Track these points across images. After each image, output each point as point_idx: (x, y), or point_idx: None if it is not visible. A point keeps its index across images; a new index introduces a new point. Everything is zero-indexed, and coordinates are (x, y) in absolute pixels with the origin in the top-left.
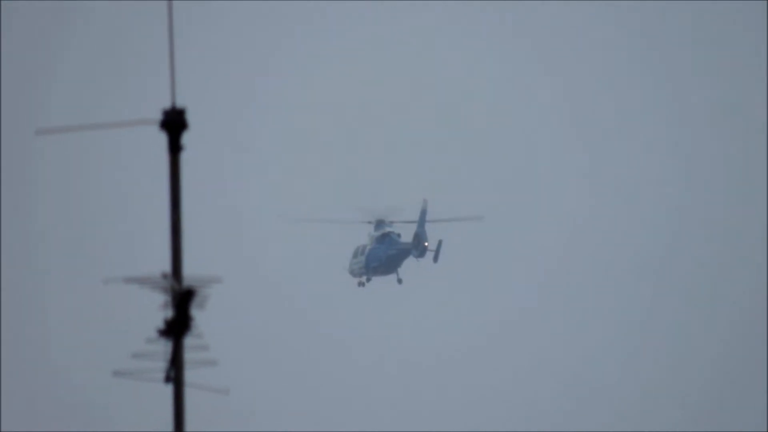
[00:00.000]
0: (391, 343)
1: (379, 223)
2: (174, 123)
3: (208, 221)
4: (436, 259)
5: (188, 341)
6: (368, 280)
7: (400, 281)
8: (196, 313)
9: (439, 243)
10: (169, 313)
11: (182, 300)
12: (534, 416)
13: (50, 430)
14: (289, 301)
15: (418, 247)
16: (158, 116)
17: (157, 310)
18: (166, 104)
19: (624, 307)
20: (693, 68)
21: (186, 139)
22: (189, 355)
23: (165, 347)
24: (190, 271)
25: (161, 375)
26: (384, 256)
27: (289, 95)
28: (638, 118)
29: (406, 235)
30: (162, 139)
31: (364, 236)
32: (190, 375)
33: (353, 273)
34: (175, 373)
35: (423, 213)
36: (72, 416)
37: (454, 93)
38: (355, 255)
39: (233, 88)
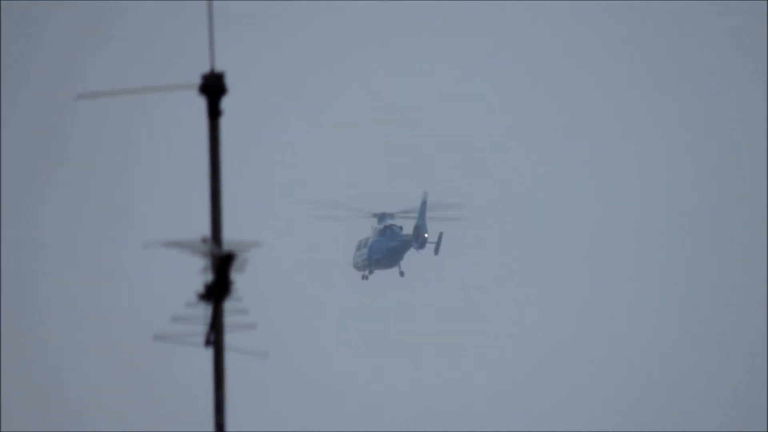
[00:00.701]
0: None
1: (382, 216)
2: (213, 87)
3: (247, 185)
4: (437, 251)
5: (228, 305)
6: (371, 272)
7: (402, 274)
8: (236, 277)
9: (440, 235)
10: (209, 277)
11: (222, 264)
12: (535, 412)
13: (93, 391)
14: (328, 264)
15: (418, 238)
16: (197, 81)
17: (197, 274)
18: (205, 68)
19: (626, 303)
20: (693, 68)
21: (225, 103)
22: (229, 319)
23: (205, 311)
24: (229, 235)
25: (201, 339)
26: (385, 248)
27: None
28: (637, 118)
29: (409, 229)
30: (201, 103)
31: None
32: (229, 339)
33: (356, 266)
34: (214, 336)
35: (423, 205)
36: (113, 380)
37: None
38: (358, 248)
39: (273, 52)
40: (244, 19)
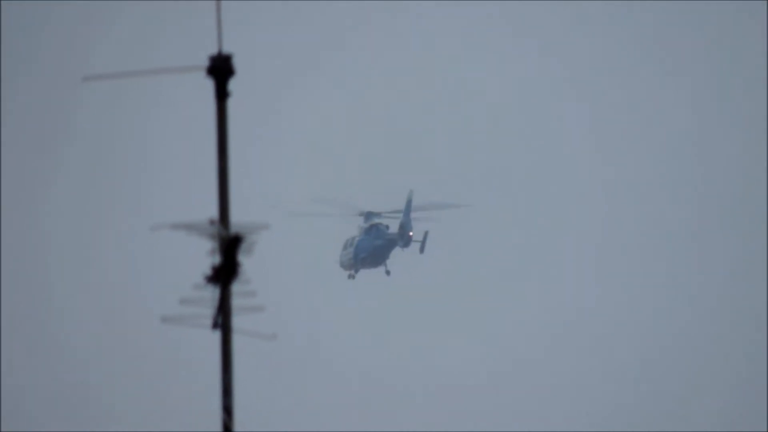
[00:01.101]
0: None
1: (368, 215)
2: (221, 69)
3: (255, 167)
4: (422, 249)
5: (235, 287)
6: (357, 271)
7: (388, 273)
8: (244, 259)
9: (425, 234)
10: (217, 260)
11: (229, 246)
12: (525, 411)
13: (101, 375)
14: (337, 246)
15: (403, 237)
16: (205, 62)
17: (205, 256)
18: (213, 50)
19: (619, 299)
20: (693, 68)
21: (233, 85)
22: (236, 302)
23: (212, 294)
24: (237, 217)
25: (209, 321)
26: (371, 246)
27: (338, 43)
28: (634, 118)
29: (395, 227)
30: (209, 85)
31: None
32: (237, 321)
33: (343, 265)
34: (222, 319)
35: (408, 203)
36: (121, 362)
37: (459, 89)
38: (345, 247)
39: (280, 34)
40: (252, 0)
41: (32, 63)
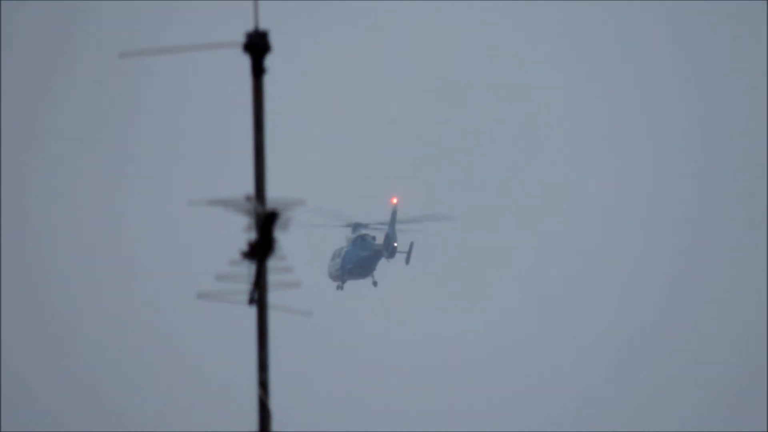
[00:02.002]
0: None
1: (356, 226)
2: (257, 46)
3: (292, 144)
4: (407, 260)
5: (271, 263)
6: (344, 282)
7: (375, 284)
8: (280, 235)
9: (411, 245)
10: (253, 236)
11: (266, 222)
12: (512, 416)
13: (137, 349)
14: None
15: (388, 247)
16: (241, 39)
17: (241, 232)
18: (250, 27)
19: (601, 307)
20: (692, 68)
21: (269, 61)
22: (272, 277)
23: (248, 269)
24: (273, 193)
25: (245, 297)
26: (358, 257)
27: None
28: (631, 118)
29: (382, 239)
30: (246, 61)
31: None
32: (273, 297)
33: (331, 276)
34: (258, 295)
35: (393, 214)
36: (158, 338)
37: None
38: (333, 258)
39: (316, 11)
40: None
41: (69, 40)
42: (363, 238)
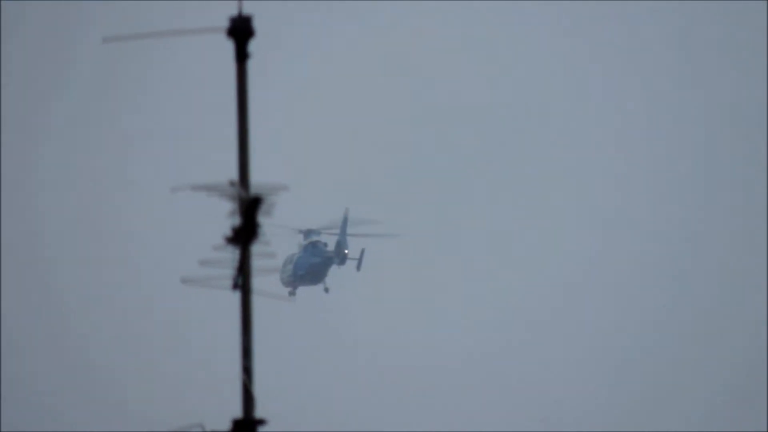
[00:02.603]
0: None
1: (309, 232)
2: (241, 30)
3: (275, 129)
4: (358, 267)
5: (255, 248)
6: (296, 288)
7: (326, 290)
8: (263, 220)
9: (362, 252)
10: (237, 221)
11: (249, 207)
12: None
13: (122, 334)
14: (356, 207)
15: (339, 254)
16: (225, 24)
17: (225, 217)
18: (233, 12)
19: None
20: (692, 68)
21: (253, 46)
22: (256, 263)
23: (232, 255)
24: (256, 179)
25: (229, 282)
26: (309, 264)
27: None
28: (627, 120)
29: (334, 245)
30: (229, 46)
31: None
32: (257, 282)
33: (283, 282)
34: (242, 280)
35: (344, 222)
36: (142, 322)
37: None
38: (285, 264)
39: None
40: None
41: (52, 26)
42: (315, 244)
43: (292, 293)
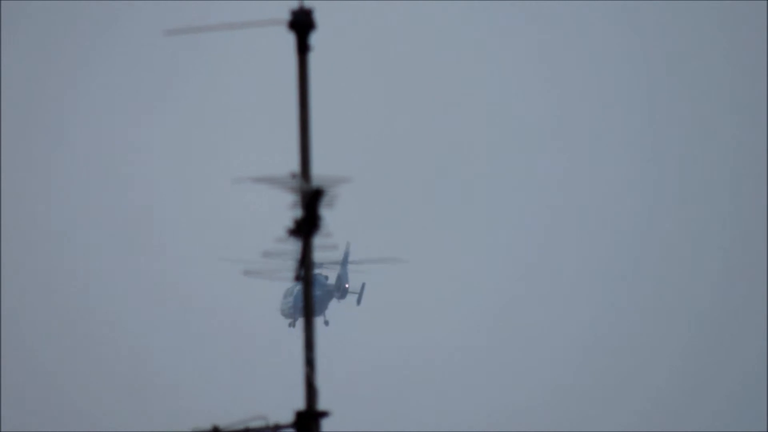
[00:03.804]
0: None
1: None
2: (302, 23)
3: (337, 121)
4: (359, 301)
5: (317, 240)
6: (296, 320)
7: (326, 323)
8: (325, 212)
9: (362, 286)
10: (298, 213)
11: (311, 200)
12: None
13: (185, 325)
14: (414, 198)
15: (339, 288)
16: (286, 16)
17: (287, 209)
18: (294, 4)
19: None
20: (692, 69)
21: (314, 39)
22: (318, 255)
23: (294, 247)
24: (318, 171)
25: (291, 274)
26: None
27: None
28: (625, 122)
29: (335, 279)
30: (290, 39)
31: None
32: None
33: (283, 313)
34: (304, 272)
35: (346, 256)
36: (206, 315)
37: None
38: (285, 296)
39: None
40: None
41: (115, 18)
42: (315, 277)
43: (291, 325)
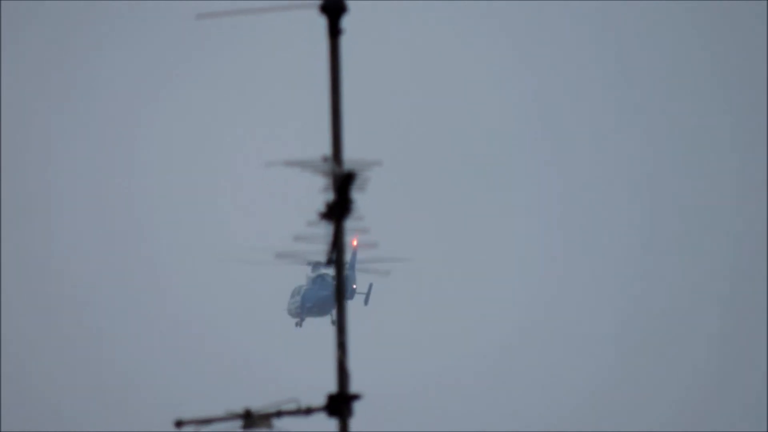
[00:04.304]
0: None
1: (316, 265)
2: (334, 6)
3: (368, 104)
4: (366, 301)
5: (349, 224)
6: (303, 320)
7: (334, 323)
8: (357, 195)
9: (370, 286)
10: (330, 196)
11: (343, 183)
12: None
13: (215, 311)
14: (451, 179)
15: (347, 289)
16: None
17: (318, 193)
18: None
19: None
20: (692, 69)
21: (345, 22)
22: (350, 238)
23: (326, 230)
24: (350, 154)
25: (322, 257)
26: (316, 297)
27: None
28: (623, 124)
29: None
30: (322, 22)
31: None
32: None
33: (290, 313)
34: (336, 255)
35: (353, 256)
36: (238, 298)
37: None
38: (292, 296)
39: None
40: None
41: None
42: (323, 277)
43: (298, 324)
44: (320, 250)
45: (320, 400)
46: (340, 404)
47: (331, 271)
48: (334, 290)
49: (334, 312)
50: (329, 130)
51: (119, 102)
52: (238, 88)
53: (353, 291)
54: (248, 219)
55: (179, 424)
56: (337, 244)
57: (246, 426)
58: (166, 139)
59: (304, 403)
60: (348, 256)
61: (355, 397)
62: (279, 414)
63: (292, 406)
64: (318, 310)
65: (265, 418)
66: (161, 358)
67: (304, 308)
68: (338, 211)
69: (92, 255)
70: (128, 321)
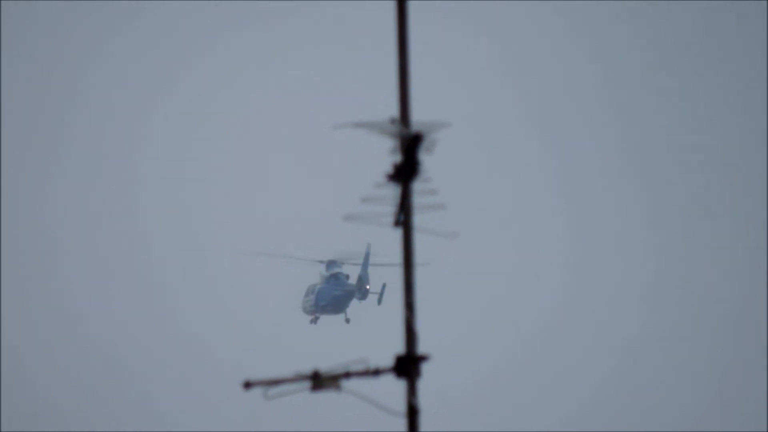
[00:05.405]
0: None
1: (330, 264)
2: None
3: (436, 66)
4: (380, 301)
5: (416, 186)
6: (318, 317)
7: (348, 320)
8: (424, 157)
9: (383, 286)
10: (398, 158)
11: (410, 145)
12: None
13: (285, 268)
14: (515, 142)
15: (360, 289)
16: None
17: (386, 154)
18: None
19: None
20: (691, 69)
21: None
22: (417, 200)
23: (394, 192)
24: (418, 116)
25: (390, 219)
26: (331, 295)
27: None
28: (623, 125)
29: (355, 278)
30: None
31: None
32: (418, 219)
33: (305, 310)
34: (403, 217)
35: (366, 256)
36: (305, 258)
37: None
38: (307, 294)
39: None
40: None
41: None
42: (336, 276)
43: (313, 321)
44: (387, 211)
45: (389, 362)
46: (408, 365)
47: (344, 270)
48: (347, 291)
49: (348, 310)
50: (397, 91)
51: (182, 65)
52: (307, 51)
53: (366, 291)
54: (316, 181)
55: (248, 385)
56: (405, 206)
57: (314, 387)
58: (236, 104)
59: (373, 364)
60: (361, 258)
61: (423, 358)
62: (347, 375)
63: (360, 367)
64: (332, 309)
65: (334, 379)
66: (231, 317)
67: (318, 306)
68: (405, 172)
69: (151, 233)
70: (195, 293)
